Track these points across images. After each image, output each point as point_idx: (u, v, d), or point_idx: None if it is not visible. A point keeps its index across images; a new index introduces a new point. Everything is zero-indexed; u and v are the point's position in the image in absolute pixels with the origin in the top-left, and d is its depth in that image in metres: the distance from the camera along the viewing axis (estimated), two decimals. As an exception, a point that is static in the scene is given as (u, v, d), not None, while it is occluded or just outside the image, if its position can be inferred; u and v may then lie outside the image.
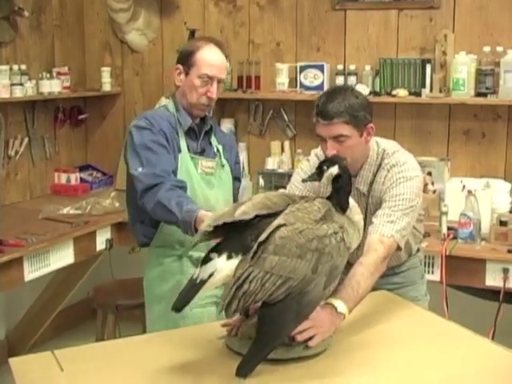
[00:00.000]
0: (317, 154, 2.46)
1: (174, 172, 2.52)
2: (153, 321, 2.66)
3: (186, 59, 2.58)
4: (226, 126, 4.23)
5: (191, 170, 2.57)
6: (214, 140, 2.72)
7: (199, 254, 2.33)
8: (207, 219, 1.80)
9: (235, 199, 2.78)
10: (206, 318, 2.54)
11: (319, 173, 1.92)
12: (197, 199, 2.51)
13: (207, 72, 2.54)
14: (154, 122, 2.54)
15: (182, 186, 2.44)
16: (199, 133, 2.65)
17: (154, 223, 2.58)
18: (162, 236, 2.59)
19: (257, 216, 1.74)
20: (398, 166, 2.32)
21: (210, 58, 2.56)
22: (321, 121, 2.24)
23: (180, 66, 2.60)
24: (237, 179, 2.83)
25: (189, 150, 2.60)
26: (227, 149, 2.77)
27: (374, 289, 2.15)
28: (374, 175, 2.37)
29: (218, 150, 2.71)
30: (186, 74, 2.58)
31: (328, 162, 1.94)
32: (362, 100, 2.28)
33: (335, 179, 1.89)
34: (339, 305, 1.92)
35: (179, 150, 2.57)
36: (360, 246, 2.39)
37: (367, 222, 2.38)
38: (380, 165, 2.36)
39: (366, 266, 2.07)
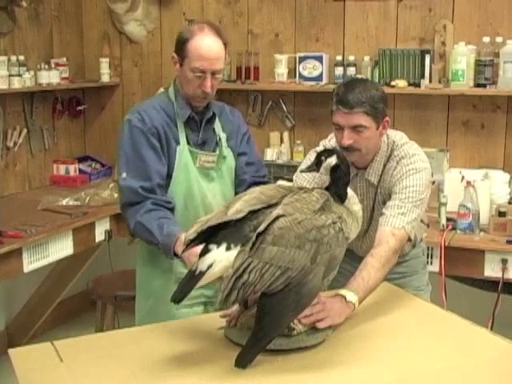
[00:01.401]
0: (325, 146, 2.44)
1: (165, 176, 2.40)
2: (141, 317, 2.59)
3: (179, 48, 2.40)
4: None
5: (189, 164, 2.44)
6: (217, 126, 2.54)
7: None
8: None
9: (238, 175, 2.58)
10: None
11: (317, 163, 1.92)
12: (194, 194, 2.44)
13: (198, 66, 2.34)
14: (146, 117, 2.38)
15: (166, 205, 2.35)
16: (200, 122, 2.49)
17: None
18: None
19: (250, 212, 1.73)
20: (408, 158, 2.32)
21: (202, 50, 2.34)
22: (341, 109, 2.22)
23: (175, 55, 2.43)
24: (242, 154, 2.58)
25: (188, 142, 2.44)
26: (233, 135, 2.57)
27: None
28: (384, 166, 2.37)
29: (220, 139, 2.53)
30: (181, 64, 2.40)
31: (326, 152, 1.94)
32: (381, 92, 2.28)
33: (333, 169, 1.89)
34: (348, 294, 1.94)
35: (177, 143, 2.42)
36: (364, 236, 2.41)
37: (375, 212, 2.39)
38: (390, 156, 2.36)
39: (377, 258, 2.08)
